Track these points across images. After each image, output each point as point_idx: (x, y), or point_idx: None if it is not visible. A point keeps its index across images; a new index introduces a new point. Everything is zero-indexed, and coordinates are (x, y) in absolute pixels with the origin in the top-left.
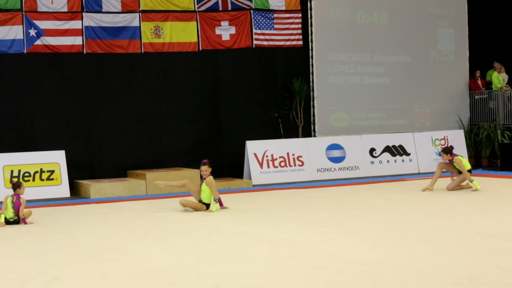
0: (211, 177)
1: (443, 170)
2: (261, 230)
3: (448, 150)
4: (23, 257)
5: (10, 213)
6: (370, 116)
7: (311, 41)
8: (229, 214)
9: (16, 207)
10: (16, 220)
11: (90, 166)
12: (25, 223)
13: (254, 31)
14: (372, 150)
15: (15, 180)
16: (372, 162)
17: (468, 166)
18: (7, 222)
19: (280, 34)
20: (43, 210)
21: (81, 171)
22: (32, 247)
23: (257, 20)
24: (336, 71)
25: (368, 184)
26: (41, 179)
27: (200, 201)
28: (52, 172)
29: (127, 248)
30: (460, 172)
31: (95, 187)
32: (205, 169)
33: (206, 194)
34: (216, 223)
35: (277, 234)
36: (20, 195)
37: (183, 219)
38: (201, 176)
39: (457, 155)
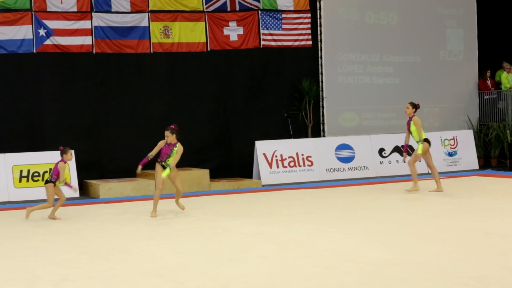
0: (179, 144)
1: (419, 160)
2: (270, 230)
3: (415, 105)
4: (32, 257)
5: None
6: (379, 116)
7: (320, 41)
8: (237, 214)
9: (54, 172)
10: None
11: (99, 166)
12: (70, 186)
13: (261, 31)
14: (381, 150)
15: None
16: (381, 162)
17: (424, 135)
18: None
19: (288, 35)
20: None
21: (90, 171)
22: (41, 247)
23: (265, 20)
24: (345, 71)
25: (377, 184)
26: None
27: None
28: None
29: (136, 248)
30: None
31: (104, 187)
32: (167, 134)
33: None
34: (225, 223)
35: (286, 234)
36: (63, 161)
37: (192, 219)
38: (168, 144)
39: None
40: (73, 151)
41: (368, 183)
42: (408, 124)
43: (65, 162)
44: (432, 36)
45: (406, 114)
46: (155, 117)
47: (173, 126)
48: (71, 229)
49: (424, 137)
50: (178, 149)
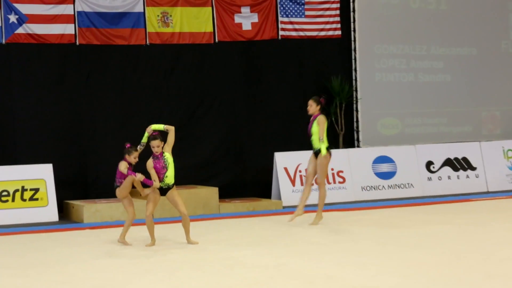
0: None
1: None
2: (293, 262)
3: (319, 101)
4: None
5: None
6: (426, 122)
7: (354, 31)
8: (253, 242)
9: (117, 175)
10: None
11: (83, 183)
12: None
13: (280, 19)
14: (429, 164)
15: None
16: (429, 179)
17: (327, 143)
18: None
19: (313, 23)
20: (24, 237)
21: (72, 189)
22: (11, 284)
23: (284, 6)
24: (384, 67)
25: (424, 206)
26: (23, 199)
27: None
28: (36, 190)
29: (129, 285)
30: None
31: (89, 209)
32: (157, 144)
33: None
34: (238, 254)
35: (312, 267)
36: (125, 161)
37: (197, 248)
38: (156, 156)
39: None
40: (137, 153)
41: (413, 204)
42: (311, 124)
43: (129, 164)
44: (491, 23)
45: (310, 113)
46: (151, 123)
47: (156, 133)
48: (48, 261)
49: (326, 144)
50: (170, 157)
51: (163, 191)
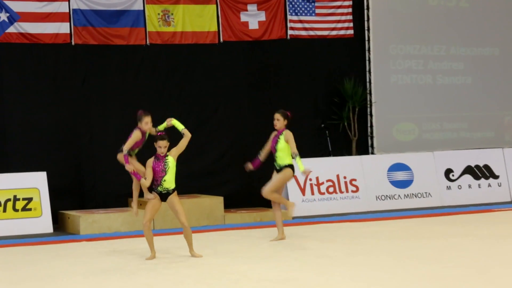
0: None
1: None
2: (303, 276)
3: (287, 115)
4: None
5: None
6: (445, 127)
7: (368, 30)
8: (260, 255)
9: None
10: None
11: (80, 192)
12: (137, 176)
13: (289, 17)
14: (448, 172)
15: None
16: (448, 187)
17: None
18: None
19: (323, 22)
20: (16, 250)
21: (67, 198)
22: None
23: (293, 3)
24: (400, 68)
25: (442, 216)
26: (15, 210)
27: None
28: (29, 200)
29: None
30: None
31: (86, 219)
32: (165, 145)
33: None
34: (244, 267)
35: (322, 281)
36: (139, 129)
37: (201, 261)
38: (158, 157)
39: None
40: (149, 118)
41: (430, 215)
42: (276, 139)
43: (142, 132)
44: None
45: (277, 127)
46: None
47: (162, 133)
48: (42, 275)
49: (290, 162)
50: (173, 162)
51: (163, 196)
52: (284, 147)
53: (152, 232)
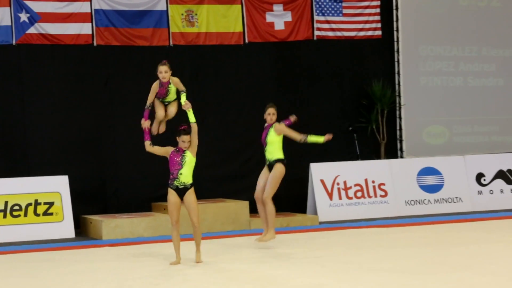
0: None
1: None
2: (331, 282)
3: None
4: None
5: None
6: (476, 130)
7: (397, 30)
8: (286, 261)
9: None
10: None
11: (102, 196)
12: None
13: (316, 18)
14: (479, 176)
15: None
16: (479, 192)
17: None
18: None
19: (351, 22)
20: (37, 255)
21: (90, 203)
22: None
23: (320, 3)
24: (430, 70)
25: (474, 222)
26: (36, 214)
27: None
28: (51, 204)
29: None
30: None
31: (108, 224)
32: (188, 139)
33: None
34: (270, 273)
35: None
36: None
37: (227, 267)
38: (179, 149)
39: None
40: (164, 67)
41: (461, 220)
42: (266, 132)
43: (161, 83)
44: None
45: (271, 122)
46: (175, 130)
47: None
48: (64, 281)
49: (282, 156)
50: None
51: (180, 191)
52: (275, 141)
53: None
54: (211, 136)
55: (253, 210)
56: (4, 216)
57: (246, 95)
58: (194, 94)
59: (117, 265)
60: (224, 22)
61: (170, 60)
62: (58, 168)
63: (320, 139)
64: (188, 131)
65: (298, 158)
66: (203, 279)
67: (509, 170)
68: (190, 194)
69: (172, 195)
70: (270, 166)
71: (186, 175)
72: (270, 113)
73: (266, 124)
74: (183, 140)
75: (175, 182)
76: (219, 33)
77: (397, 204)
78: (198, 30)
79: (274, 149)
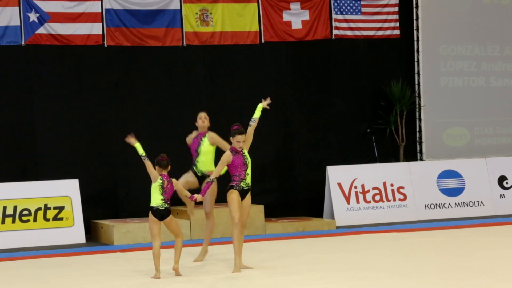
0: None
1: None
2: None
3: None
4: None
5: (158, 200)
6: (498, 132)
7: (417, 29)
8: (303, 267)
9: (168, 193)
10: (167, 210)
11: (114, 200)
12: (192, 199)
13: (334, 16)
14: (502, 179)
15: (163, 155)
16: (502, 196)
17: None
18: (156, 211)
19: (370, 21)
20: (47, 261)
21: (100, 207)
22: None
23: (338, 1)
24: (451, 70)
25: (496, 226)
26: (46, 219)
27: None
28: (61, 209)
29: None
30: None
31: (120, 229)
32: (243, 139)
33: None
34: (286, 279)
35: None
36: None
37: (240, 274)
38: (236, 151)
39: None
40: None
41: (483, 225)
42: (198, 141)
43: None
44: None
45: (200, 127)
46: (188, 132)
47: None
48: None
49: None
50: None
51: (244, 193)
52: (209, 151)
53: (189, 242)
54: (225, 138)
55: (268, 214)
56: (13, 221)
57: (262, 95)
58: (208, 95)
59: (129, 272)
60: (239, 21)
61: (183, 61)
62: (68, 171)
63: (258, 112)
64: (243, 131)
65: (314, 161)
66: (217, 286)
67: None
68: (249, 196)
69: (238, 195)
70: (202, 178)
71: (250, 175)
72: (202, 117)
73: (195, 133)
74: (238, 140)
75: (241, 184)
76: (234, 33)
77: (417, 208)
78: (213, 29)
79: (207, 159)
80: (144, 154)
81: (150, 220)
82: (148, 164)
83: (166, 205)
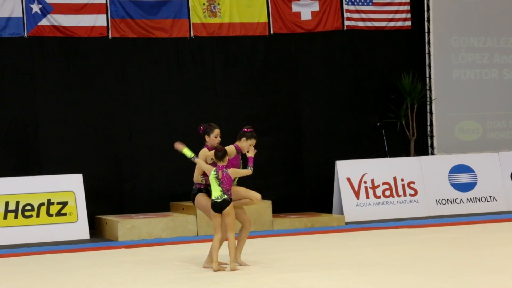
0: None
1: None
2: (355, 286)
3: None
4: None
5: (217, 192)
6: (511, 125)
7: (427, 21)
8: (311, 264)
9: (226, 183)
10: (225, 201)
11: (118, 195)
12: None
13: (345, 7)
14: None
15: (220, 147)
16: None
17: None
18: (214, 204)
19: (381, 12)
20: (50, 257)
21: (105, 202)
22: None
23: None
24: (463, 63)
25: (509, 222)
26: (49, 214)
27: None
28: (64, 204)
29: None
30: None
31: (124, 225)
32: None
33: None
34: (294, 276)
35: None
36: (207, 148)
37: (247, 270)
38: (238, 150)
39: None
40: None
41: (495, 220)
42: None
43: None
44: None
45: (212, 144)
46: (196, 126)
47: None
48: (77, 284)
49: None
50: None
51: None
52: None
53: (195, 238)
54: (233, 132)
55: (276, 210)
56: (16, 217)
57: (271, 89)
58: (216, 88)
59: (134, 268)
60: (248, 12)
61: (191, 52)
62: (72, 165)
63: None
64: (256, 137)
65: (323, 156)
66: (223, 283)
67: None
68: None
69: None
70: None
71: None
72: (218, 135)
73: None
74: (250, 144)
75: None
76: (243, 24)
77: (428, 204)
78: (221, 20)
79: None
80: (193, 155)
81: (211, 213)
82: (199, 162)
83: (225, 196)
